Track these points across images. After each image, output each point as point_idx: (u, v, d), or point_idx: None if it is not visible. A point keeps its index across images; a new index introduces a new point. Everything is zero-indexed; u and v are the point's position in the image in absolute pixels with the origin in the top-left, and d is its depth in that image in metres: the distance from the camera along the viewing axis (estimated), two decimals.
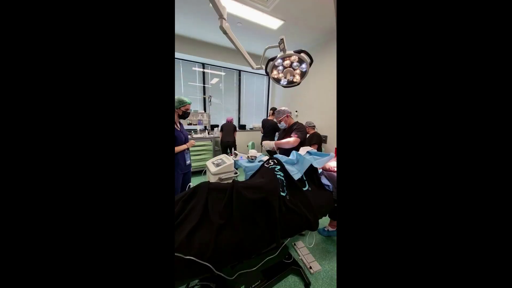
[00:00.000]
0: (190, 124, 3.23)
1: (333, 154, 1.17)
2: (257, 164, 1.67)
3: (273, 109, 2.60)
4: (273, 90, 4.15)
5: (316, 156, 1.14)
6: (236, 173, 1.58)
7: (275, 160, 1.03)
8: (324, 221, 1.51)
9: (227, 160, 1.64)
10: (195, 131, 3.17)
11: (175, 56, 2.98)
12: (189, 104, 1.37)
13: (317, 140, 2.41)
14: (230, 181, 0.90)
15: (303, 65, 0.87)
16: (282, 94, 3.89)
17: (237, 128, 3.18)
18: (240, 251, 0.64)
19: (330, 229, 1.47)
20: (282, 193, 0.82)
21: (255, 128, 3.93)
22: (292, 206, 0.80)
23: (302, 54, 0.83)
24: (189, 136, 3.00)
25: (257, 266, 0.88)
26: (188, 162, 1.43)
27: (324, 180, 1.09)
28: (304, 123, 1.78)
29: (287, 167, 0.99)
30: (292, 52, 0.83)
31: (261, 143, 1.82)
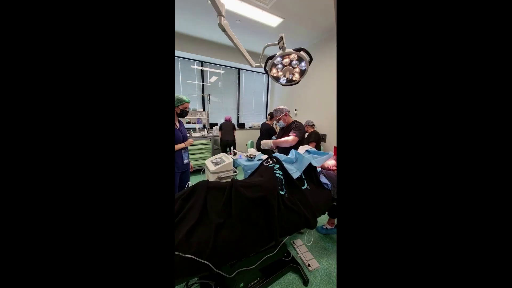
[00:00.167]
0: (189, 122, 3.21)
1: (331, 153, 1.17)
2: (256, 163, 1.67)
3: (271, 114, 2.64)
4: (272, 88, 4.14)
5: (315, 155, 1.15)
6: (235, 171, 1.58)
7: (274, 159, 1.03)
8: (323, 219, 1.52)
9: (226, 159, 1.64)
10: (194, 129, 3.15)
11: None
12: (188, 102, 1.35)
13: (315, 138, 2.42)
14: (229, 179, 0.90)
15: (303, 63, 0.87)
16: (281, 92, 3.88)
17: (236, 127, 3.17)
18: (239, 250, 0.65)
19: (329, 227, 1.48)
20: (281, 192, 0.82)
21: (254, 127, 3.92)
22: (291, 205, 0.81)
23: (302, 52, 0.83)
24: (188, 135, 2.98)
25: (256, 264, 0.88)
26: (186, 161, 1.41)
27: (323, 179, 1.09)
28: (304, 122, 1.78)
29: (286, 165, 0.99)
30: (291, 50, 0.82)
31: (256, 144, 1.83)
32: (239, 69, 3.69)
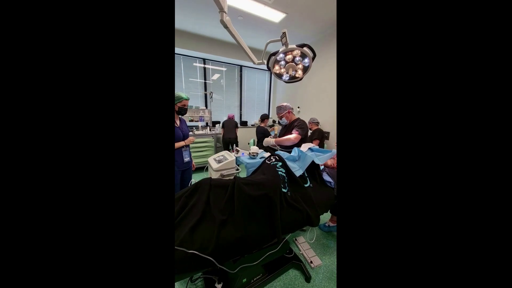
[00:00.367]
0: (191, 120, 3.23)
1: (335, 151, 1.16)
2: (258, 161, 1.67)
3: (263, 116, 2.66)
4: (275, 85, 4.10)
5: (318, 153, 1.14)
6: (237, 169, 1.59)
7: (276, 157, 1.02)
8: (325, 217, 1.52)
9: (229, 156, 1.64)
10: (197, 127, 3.17)
11: (176, 52, 2.94)
12: (187, 99, 1.29)
13: (319, 136, 2.40)
14: (232, 177, 0.91)
15: (306, 60, 0.85)
16: (284, 89, 3.84)
17: (239, 125, 3.17)
18: (242, 246, 0.66)
19: (331, 224, 1.48)
20: (283, 190, 0.82)
21: (257, 124, 3.91)
22: (293, 202, 0.81)
23: (305, 48, 0.81)
24: (190, 133, 2.98)
25: (259, 261, 0.89)
26: (186, 159, 1.37)
27: (326, 177, 1.08)
28: (308, 119, 1.77)
29: (289, 163, 0.98)
30: (294, 46, 0.81)
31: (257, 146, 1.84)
32: (241, 66, 3.66)
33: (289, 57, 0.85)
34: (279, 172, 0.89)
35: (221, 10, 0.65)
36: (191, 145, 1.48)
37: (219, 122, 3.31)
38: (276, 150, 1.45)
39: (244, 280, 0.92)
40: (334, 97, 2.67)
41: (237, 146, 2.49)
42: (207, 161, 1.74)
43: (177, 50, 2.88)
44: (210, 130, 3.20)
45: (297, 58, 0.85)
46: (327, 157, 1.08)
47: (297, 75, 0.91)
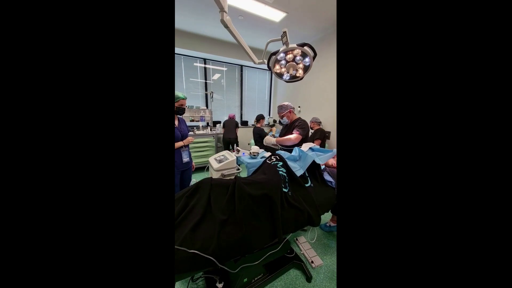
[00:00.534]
0: (192, 120, 3.23)
1: (336, 150, 1.15)
2: (259, 161, 1.67)
3: (258, 117, 2.66)
4: (276, 85, 4.09)
5: (318, 152, 1.13)
6: (238, 169, 1.59)
7: (277, 157, 1.02)
8: (326, 217, 1.51)
9: (230, 156, 1.65)
10: (198, 127, 3.18)
11: (176, 52, 2.94)
12: (184, 99, 1.26)
13: (321, 136, 2.40)
14: (233, 177, 0.91)
15: (307, 59, 0.85)
16: (284, 89, 3.83)
17: (239, 124, 3.17)
18: (242, 246, 0.66)
19: (332, 224, 1.48)
20: (284, 189, 0.82)
21: (253, 125, 3.91)
22: (294, 202, 0.81)
23: (306, 48, 0.81)
24: (191, 133, 2.97)
25: (260, 260, 0.89)
26: (186, 159, 1.34)
27: (327, 177, 1.08)
28: (309, 119, 1.75)
29: (290, 163, 0.98)
30: (295, 45, 0.81)
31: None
32: (242, 66, 3.66)
33: (289, 56, 0.85)
34: (280, 172, 0.89)
35: (222, 9, 0.64)
36: (191, 145, 1.47)
37: (219, 122, 3.32)
38: (277, 150, 1.45)
39: (245, 279, 0.92)
40: (335, 96, 2.66)
41: (237, 146, 2.49)
42: (208, 161, 1.75)
43: (177, 50, 2.88)
44: (210, 130, 3.20)
45: (298, 58, 0.85)
46: (328, 156, 1.08)
47: (297, 75, 0.91)
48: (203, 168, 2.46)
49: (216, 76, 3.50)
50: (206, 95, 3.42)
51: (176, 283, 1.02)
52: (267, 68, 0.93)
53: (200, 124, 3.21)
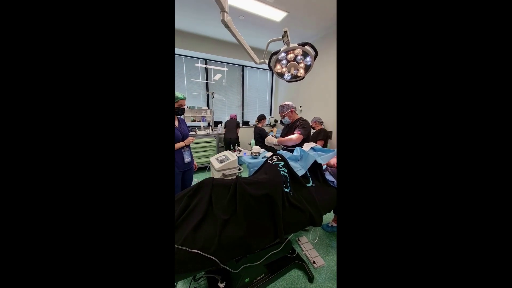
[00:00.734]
0: (194, 120, 3.25)
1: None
2: (260, 160, 1.67)
3: (259, 117, 2.65)
4: (277, 85, 4.09)
5: (320, 152, 1.13)
6: (239, 169, 1.59)
7: (278, 157, 1.02)
8: (328, 217, 1.51)
9: (231, 156, 1.65)
10: (199, 127, 3.19)
11: (177, 53, 2.96)
12: (183, 99, 1.24)
13: (324, 136, 2.39)
14: (234, 177, 0.91)
15: (308, 59, 0.84)
16: (286, 89, 3.82)
17: (241, 125, 3.17)
18: (244, 246, 0.66)
19: (334, 224, 1.47)
20: (285, 189, 0.82)
21: (254, 125, 3.91)
22: (296, 202, 0.80)
23: (307, 47, 0.81)
24: (193, 133, 2.98)
25: (261, 260, 0.89)
26: (187, 160, 1.34)
27: (329, 177, 1.07)
28: (311, 119, 1.74)
29: (291, 163, 0.98)
30: (296, 45, 0.80)
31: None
32: (243, 66, 3.66)
33: (290, 56, 0.84)
34: (281, 172, 0.89)
35: (222, 10, 0.64)
36: (192, 145, 1.47)
37: (221, 122, 3.32)
38: (279, 150, 1.44)
39: (247, 279, 0.92)
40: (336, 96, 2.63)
41: (238, 146, 2.49)
42: (209, 161, 1.75)
43: (178, 50, 2.89)
44: (212, 130, 3.21)
45: (299, 57, 0.84)
46: (329, 156, 1.07)
47: (299, 74, 0.91)
48: (205, 168, 2.46)
49: (218, 76, 3.50)
50: (208, 95, 3.43)
51: (178, 282, 1.03)
52: (268, 68, 0.93)
53: (202, 124, 3.22)
